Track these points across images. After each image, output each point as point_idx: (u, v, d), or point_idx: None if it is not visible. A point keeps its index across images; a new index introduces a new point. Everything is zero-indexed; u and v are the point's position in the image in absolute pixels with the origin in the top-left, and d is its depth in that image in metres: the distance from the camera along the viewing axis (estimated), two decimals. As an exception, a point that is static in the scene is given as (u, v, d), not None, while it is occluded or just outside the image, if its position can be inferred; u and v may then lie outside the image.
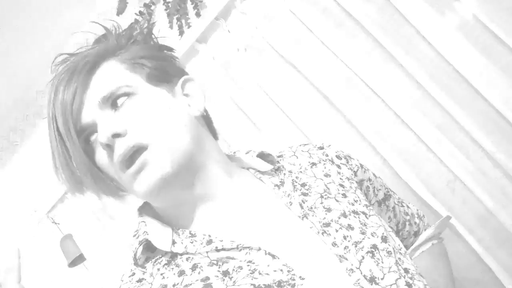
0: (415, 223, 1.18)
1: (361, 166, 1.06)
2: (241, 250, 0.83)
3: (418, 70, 1.81)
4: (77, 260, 2.46)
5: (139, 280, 0.86)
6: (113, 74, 0.89)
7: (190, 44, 2.14)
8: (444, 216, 1.26)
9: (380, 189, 1.09)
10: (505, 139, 1.72)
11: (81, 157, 0.86)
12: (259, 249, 0.82)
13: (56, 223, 2.52)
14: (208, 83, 2.14)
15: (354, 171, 1.03)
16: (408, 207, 1.18)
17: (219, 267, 0.82)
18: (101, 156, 0.88)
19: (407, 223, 1.15)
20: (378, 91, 1.88)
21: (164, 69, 0.94)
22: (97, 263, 2.48)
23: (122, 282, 0.88)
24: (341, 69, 1.93)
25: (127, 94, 0.88)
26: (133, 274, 0.88)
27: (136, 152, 0.85)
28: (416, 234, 1.18)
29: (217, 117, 1.95)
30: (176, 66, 0.98)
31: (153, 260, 0.88)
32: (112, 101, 0.88)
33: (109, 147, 0.85)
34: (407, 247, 1.16)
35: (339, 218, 0.89)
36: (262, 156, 0.99)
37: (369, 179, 1.07)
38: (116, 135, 0.85)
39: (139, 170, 0.84)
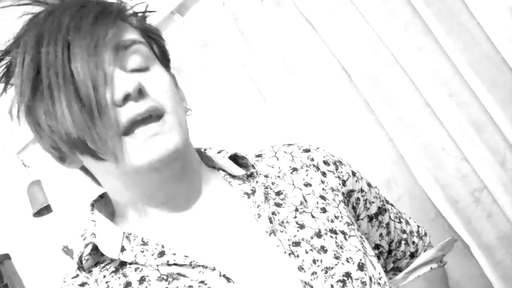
0: (413, 242, 1.07)
1: (353, 174, 0.96)
2: (194, 267, 0.76)
3: (459, 53, 1.53)
4: (43, 210, 2.26)
5: (82, 284, 0.80)
6: (133, 35, 0.80)
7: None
8: (450, 237, 1.12)
9: (373, 202, 0.99)
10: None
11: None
12: (214, 269, 0.76)
13: (26, 166, 2.31)
14: (212, 32, 1.86)
15: (343, 180, 0.93)
16: (407, 223, 1.08)
17: (168, 283, 0.76)
18: None
19: (402, 242, 1.05)
20: (409, 71, 1.61)
21: (168, 55, 0.87)
22: (64, 217, 2.27)
23: (64, 284, 0.82)
24: (368, 38, 1.65)
25: (145, 61, 0.79)
26: (77, 276, 0.82)
27: (149, 117, 0.75)
28: (413, 255, 1.08)
29: (218, 77, 1.85)
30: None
31: (102, 265, 0.81)
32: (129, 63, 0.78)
33: (125, 101, 0.74)
34: (401, 269, 1.07)
35: (312, 237, 0.81)
36: (235, 158, 0.90)
37: (361, 190, 0.97)
38: (140, 91, 0.75)
39: (156, 134, 0.75)
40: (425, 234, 1.10)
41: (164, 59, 0.85)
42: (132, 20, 0.82)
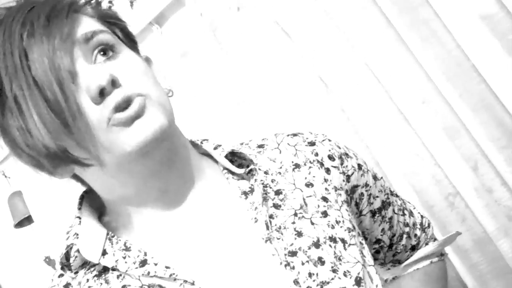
0: (415, 235, 1.04)
1: (359, 167, 0.91)
2: (175, 280, 0.73)
3: (431, 61, 1.57)
4: (24, 221, 2.26)
5: (66, 286, 0.78)
6: (92, 26, 0.74)
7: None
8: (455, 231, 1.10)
9: (377, 196, 0.95)
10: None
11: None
12: (193, 283, 0.72)
13: (6, 177, 2.31)
14: (190, 42, 1.89)
15: (347, 176, 0.89)
16: (411, 214, 1.04)
17: None
18: None
19: (404, 235, 1.01)
20: (381, 79, 1.64)
21: (133, 37, 0.83)
22: (45, 227, 2.26)
23: (52, 282, 0.80)
24: (343, 47, 1.67)
25: (111, 49, 0.74)
26: (62, 275, 0.79)
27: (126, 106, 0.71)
28: (414, 248, 1.04)
29: (196, 82, 1.87)
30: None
31: (87, 266, 0.78)
32: (94, 55, 0.73)
33: (101, 95, 0.69)
34: (400, 262, 1.04)
35: (309, 247, 0.76)
36: (233, 155, 0.85)
37: (366, 185, 0.92)
38: (114, 82, 0.70)
39: (137, 116, 0.70)
40: (428, 225, 1.07)
41: (130, 42, 0.81)
42: (86, 10, 0.78)
